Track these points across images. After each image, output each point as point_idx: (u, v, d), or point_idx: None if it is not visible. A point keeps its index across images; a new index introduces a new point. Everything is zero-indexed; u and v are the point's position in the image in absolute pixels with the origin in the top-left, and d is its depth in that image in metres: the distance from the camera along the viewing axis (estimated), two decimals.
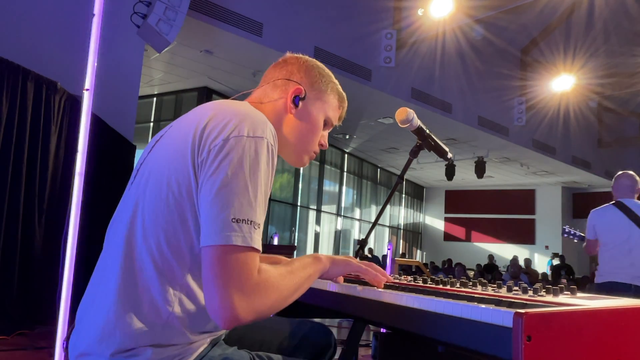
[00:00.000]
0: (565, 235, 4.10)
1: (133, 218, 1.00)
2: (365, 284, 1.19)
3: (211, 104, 1.06)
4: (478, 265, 13.28)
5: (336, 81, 1.26)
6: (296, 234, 12.72)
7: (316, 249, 13.29)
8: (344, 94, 1.27)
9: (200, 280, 0.96)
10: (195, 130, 0.97)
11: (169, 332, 0.96)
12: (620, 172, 3.71)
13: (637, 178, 3.61)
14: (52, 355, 2.12)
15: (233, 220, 0.88)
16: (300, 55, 1.26)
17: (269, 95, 1.18)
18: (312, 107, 1.19)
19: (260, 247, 0.92)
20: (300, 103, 1.17)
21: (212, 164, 0.92)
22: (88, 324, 0.99)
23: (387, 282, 1.18)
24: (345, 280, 1.28)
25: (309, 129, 1.20)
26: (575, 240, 4.04)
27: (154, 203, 0.98)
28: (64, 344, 1.12)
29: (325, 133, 1.26)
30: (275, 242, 4.97)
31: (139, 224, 0.98)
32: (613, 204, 3.59)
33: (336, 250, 14.06)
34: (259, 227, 0.91)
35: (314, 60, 1.26)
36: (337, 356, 1.36)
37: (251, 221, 0.90)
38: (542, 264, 15.34)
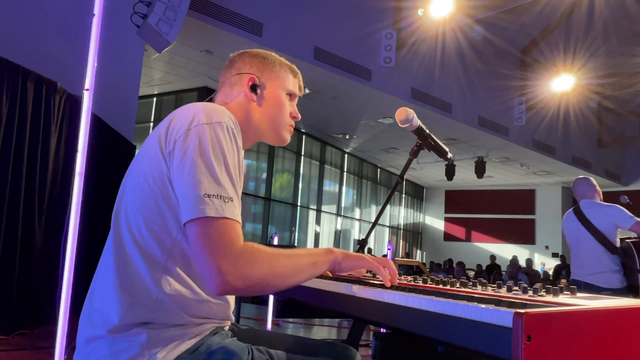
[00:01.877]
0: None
1: (118, 208, 1.12)
2: (365, 284, 1.19)
3: (179, 107, 1.15)
4: (478, 266, 13.27)
5: (282, 58, 1.34)
6: (296, 234, 12.72)
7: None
8: (293, 65, 1.36)
9: (183, 264, 1.06)
10: (163, 128, 1.09)
11: (162, 310, 1.03)
12: (576, 178, 3.90)
13: (594, 181, 3.80)
14: (52, 355, 2.12)
15: (204, 195, 0.97)
16: (242, 51, 1.35)
17: (229, 94, 1.28)
18: (271, 88, 1.28)
19: (236, 218, 0.99)
20: (258, 90, 1.26)
21: (179, 152, 1.02)
22: (91, 309, 1.08)
23: (396, 283, 1.15)
24: (345, 280, 1.28)
25: (275, 108, 1.28)
26: None
27: (133, 193, 1.09)
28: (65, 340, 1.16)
29: (294, 105, 1.34)
30: (275, 242, 4.96)
31: (123, 213, 1.10)
32: (573, 208, 3.79)
33: None
34: (231, 201, 0.99)
35: (255, 49, 1.35)
36: None
37: (221, 195, 0.98)
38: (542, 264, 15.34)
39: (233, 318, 1.21)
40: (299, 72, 1.37)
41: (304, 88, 1.40)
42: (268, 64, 1.30)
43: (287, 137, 1.32)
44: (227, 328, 1.19)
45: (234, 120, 1.10)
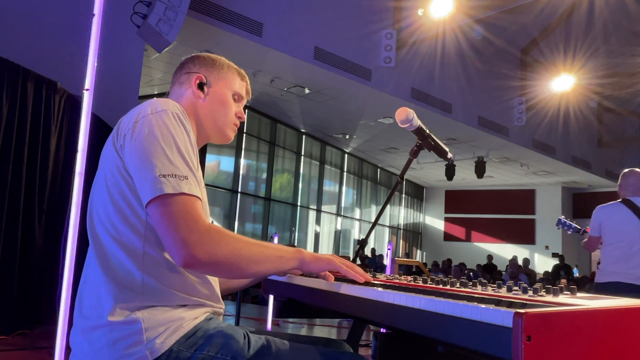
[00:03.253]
0: (560, 226, 4.02)
1: (90, 213, 1.17)
2: (365, 284, 1.19)
3: None
4: (478, 266, 13.28)
5: (231, 63, 1.40)
6: (296, 234, 12.72)
7: (316, 249, 13.29)
8: (242, 70, 1.42)
9: (160, 246, 1.08)
10: (114, 130, 1.16)
11: (151, 293, 1.08)
12: (627, 170, 3.60)
13: None
14: (52, 355, 2.12)
15: (160, 176, 1.02)
16: (193, 54, 1.40)
17: (178, 93, 1.34)
18: (217, 87, 1.34)
19: (194, 193, 1.04)
20: (205, 88, 1.32)
21: (130, 143, 1.08)
22: (82, 308, 1.12)
23: (367, 280, 1.20)
24: (343, 280, 1.28)
25: (220, 106, 1.34)
26: (570, 232, 3.99)
27: (99, 194, 1.15)
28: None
29: (239, 107, 1.39)
30: (275, 241, 4.97)
31: (95, 215, 1.15)
32: (621, 201, 3.48)
33: (336, 250, 14.07)
34: (185, 179, 1.04)
35: (207, 53, 1.41)
36: None
37: (175, 174, 1.03)
38: (542, 264, 15.34)
39: (223, 303, 1.24)
40: (246, 76, 1.43)
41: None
42: (216, 66, 1.36)
43: (231, 135, 1.38)
44: (221, 318, 1.22)
45: (179, 108, 1.16)
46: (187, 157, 1.08)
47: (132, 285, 1.07)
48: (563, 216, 4.17)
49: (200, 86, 1.32)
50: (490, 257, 14.14)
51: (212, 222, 1.20)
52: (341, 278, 1.26)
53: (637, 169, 3.58)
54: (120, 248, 1.09)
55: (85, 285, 1.15)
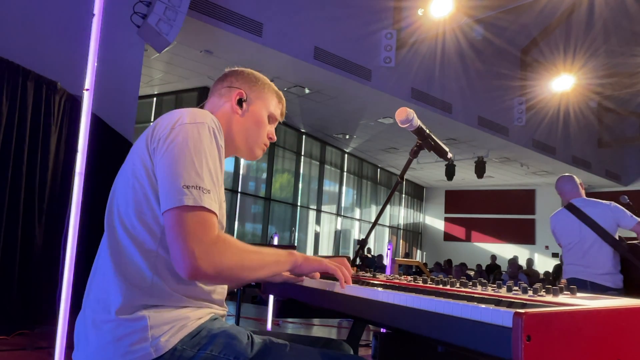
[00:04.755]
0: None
1: (110, 208, 1.19)
2: (365, 283, 1.19)
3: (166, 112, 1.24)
4: (478, 266, 13.27)
5: (271, 83, 1.44)
6: (296, 234, 12.72)
7: (316, 249, 13.29)
8: (280, 92, 1.45)
9: None
10: (149, 130, 1.17)
11: (159, 293, 1.09)
12: (560, 177, 3.81)
13: (575, 177, 3.76)
14: (52, 355, 2.12)
15: (183, 186, 1.04)
16: (237, 68, 1.43)
17: (216, 104, 1.36)
18: (255, 106, 1.36)
19: (212, 209, 1.06)
20: (244, 104, 1.35)
21: (162, 147, 1.10)
22: (89, 301, 1.14)
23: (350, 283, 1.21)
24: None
25: (255, 125, 1.36)
26: None
27: (123, 192, 1.16)
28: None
29: (272, 127, 1.42)
30: (275, 242, 4.96)
31: (116, 211, 1.16)
32: (565, 206, 3.67)
33: (336, 250, 14.07)
34: (208, 192, 1.06)
35: (249, 69, 1.43)
36: None
37: (200, 187, 1.05)
38: (542, 264, 15.33)
39: (227, 307, 1.26)
40: (284, 99, 1.46)
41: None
42: (258, 84, 1.39)
43: (259, 154, 1.41)
44: (223, 320, 1.23)
45: (216, 123, 1.17)
46: (214, 172, 1.10)
47: (141, 284, 1.09)
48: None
49: (240, 102, 1.34)
50: (494, 257, 14.14)
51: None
52: (330, 277, 1.26)
53: (566, 174, 3.83)
54: (135, 245, 1.11)
55: (95, 277, 1.16)
